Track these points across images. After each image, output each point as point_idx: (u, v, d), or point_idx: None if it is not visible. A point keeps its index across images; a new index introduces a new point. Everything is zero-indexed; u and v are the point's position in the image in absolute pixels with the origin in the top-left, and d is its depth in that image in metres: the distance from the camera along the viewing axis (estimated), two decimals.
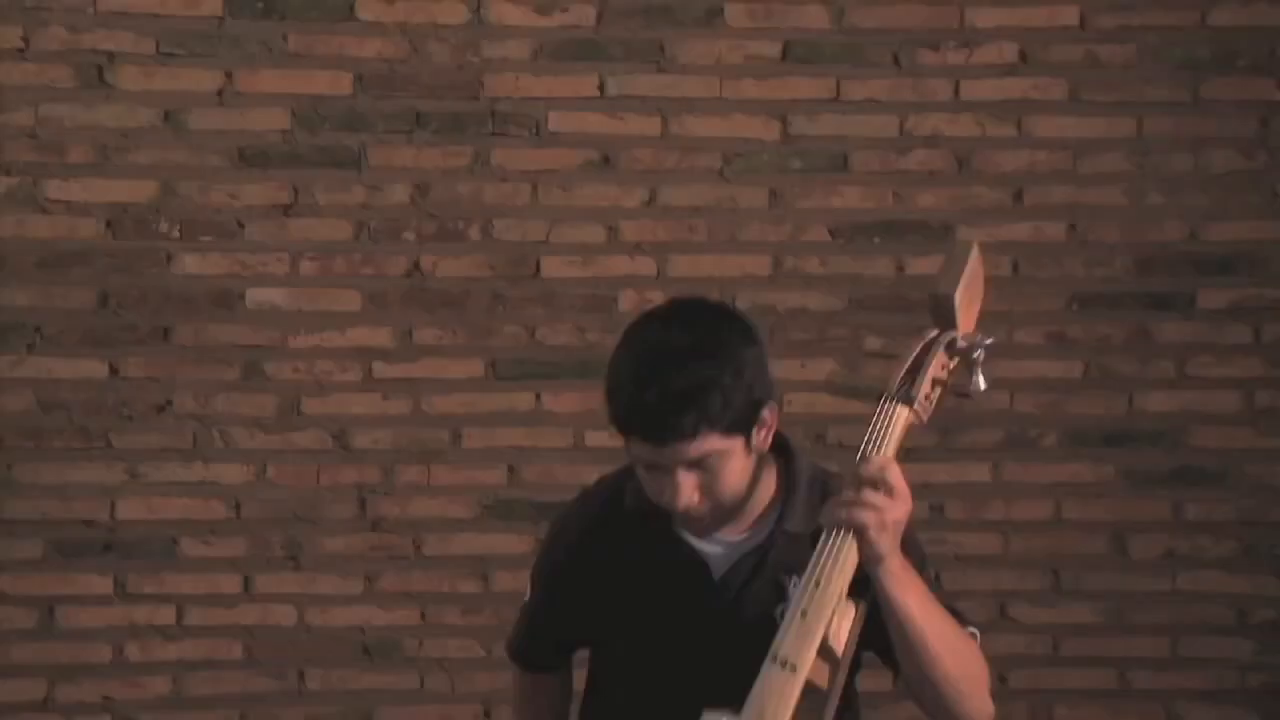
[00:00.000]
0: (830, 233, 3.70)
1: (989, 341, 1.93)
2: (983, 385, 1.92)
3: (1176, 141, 3.71)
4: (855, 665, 2.11)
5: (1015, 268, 3.69)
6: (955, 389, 1.93)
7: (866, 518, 1.81)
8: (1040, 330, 3.72)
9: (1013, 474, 3.73)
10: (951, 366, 1.94)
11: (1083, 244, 3.73)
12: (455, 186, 3.63)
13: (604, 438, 3.56)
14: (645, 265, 3.64)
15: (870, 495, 1.82)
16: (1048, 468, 3.73)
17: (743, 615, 1.95)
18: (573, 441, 3.63)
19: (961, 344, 1.93)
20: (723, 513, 2.00)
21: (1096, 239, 3.73)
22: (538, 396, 3.65)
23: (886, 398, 1.89)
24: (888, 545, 1.83)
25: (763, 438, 1.99)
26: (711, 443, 1.91)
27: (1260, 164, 3.72)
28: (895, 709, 3.47)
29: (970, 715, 1.95)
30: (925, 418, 1.90)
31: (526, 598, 2.25)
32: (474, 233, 3.64)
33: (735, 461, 1.95)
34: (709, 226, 3.67)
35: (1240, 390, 3.73)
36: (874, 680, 3.43)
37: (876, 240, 3.69)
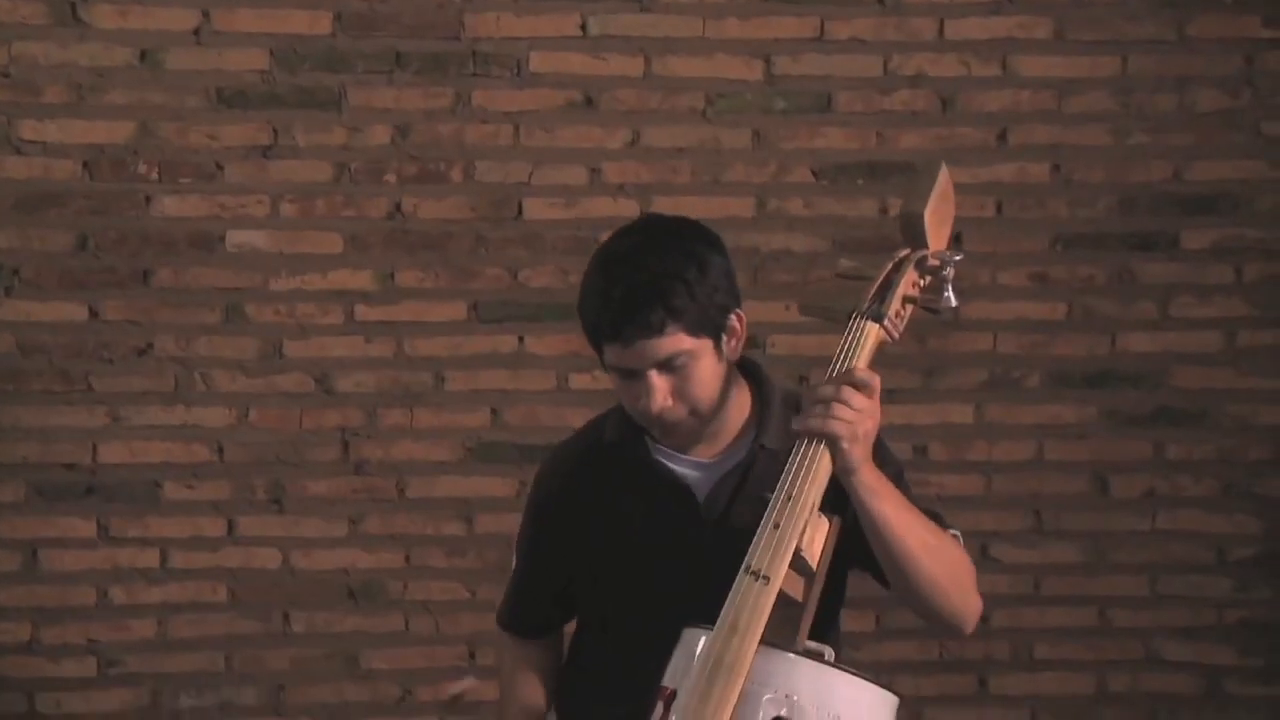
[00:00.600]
0: (814, 174, 3.68)
1: (958, 258, 1.95)
2: (954, 301, 1.95)
3: (1161, 80, 3.69)
4: (839, 599, 2.12)
5: (999, 208, 3.68)
6: (925, 304, 1.95)
7: (838, 429, 1.84)
8: (1023, 271, 3.71)
9: (995, 415, 3.74)
10: (923, 284, 1.96)
11: (1066, 184, 3.72)
12: (436, 128, 3.60)
13: (587, 380, 3.57)
14: (628, 207, 3.62)
15: (841, 408, 1.84)
16: (1030, 408, 3.74)
17: (729, 534, 1.96)
18: (555, 384, 3.63)
19: (932, 262, 1.95)
20: (698, 422, 2.03)
21: (1080, 179, 3.72)
22: (520, 339, 3.64)
23: (856, 315, 1.92)
24: (860, 456, 1.87)
25: (733, 346, 2.03)
26: (680, 341, 1.95)
27: (1245, 102, 3.70)
28: (878, 648, 3.52)
29: (959, 612, 2.01)
30: (896, 335, 1.94)
31: (513, 566, 2.25)
32: (455, 174, 3.62)
33: (705, 365, 1.99)
34: (692, 168, 3.65)
35: (1222, 330, 3.74)
36: (857, 621, 3.45)
37: (860, 181, 3.68)
